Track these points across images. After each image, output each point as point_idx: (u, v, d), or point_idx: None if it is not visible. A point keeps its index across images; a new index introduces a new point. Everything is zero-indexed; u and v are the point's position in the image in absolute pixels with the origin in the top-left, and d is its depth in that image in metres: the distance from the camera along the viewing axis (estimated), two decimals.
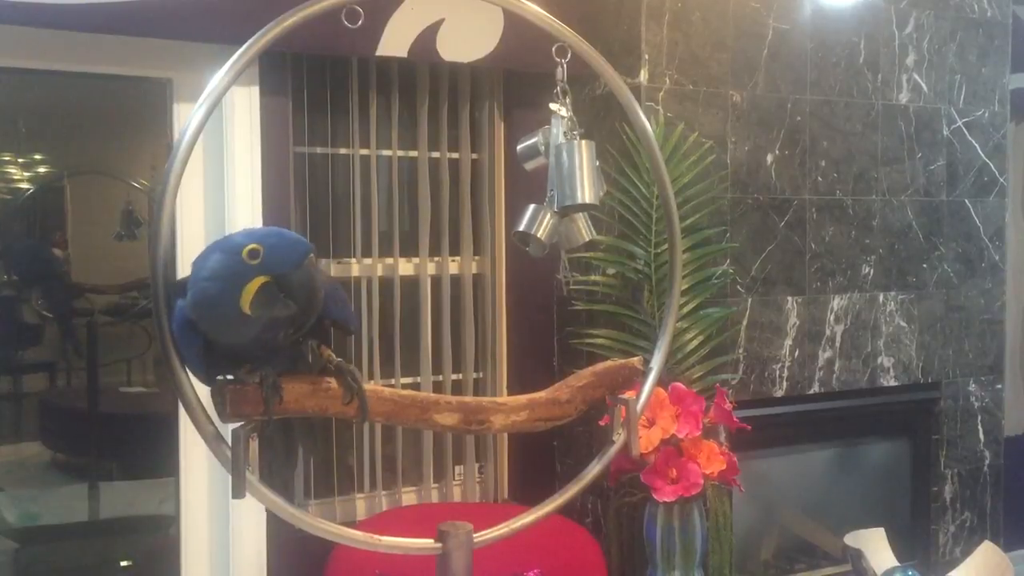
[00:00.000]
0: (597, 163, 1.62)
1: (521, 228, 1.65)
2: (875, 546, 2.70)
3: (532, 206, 1.65)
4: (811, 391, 3.26)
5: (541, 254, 1.69)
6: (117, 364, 5.89)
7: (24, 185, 5.79)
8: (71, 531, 4.73)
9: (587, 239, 1.70)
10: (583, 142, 1.60)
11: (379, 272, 2.97)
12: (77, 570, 4.31)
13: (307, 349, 1.47)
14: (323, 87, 2.90)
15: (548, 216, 1.64)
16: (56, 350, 5.93)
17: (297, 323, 1.28)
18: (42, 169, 5.83)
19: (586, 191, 1.58)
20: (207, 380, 1.36)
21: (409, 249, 3.04)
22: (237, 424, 1.32)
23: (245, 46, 1.37)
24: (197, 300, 1.26)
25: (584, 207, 1.61)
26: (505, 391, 3.12)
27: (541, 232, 1.63)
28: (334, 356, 1.42)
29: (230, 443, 1.35)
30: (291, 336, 1.37)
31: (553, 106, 1.63)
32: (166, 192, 1.31)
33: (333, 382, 1.40)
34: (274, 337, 1.32)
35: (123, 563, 4.22)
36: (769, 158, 3.16)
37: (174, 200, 1.33)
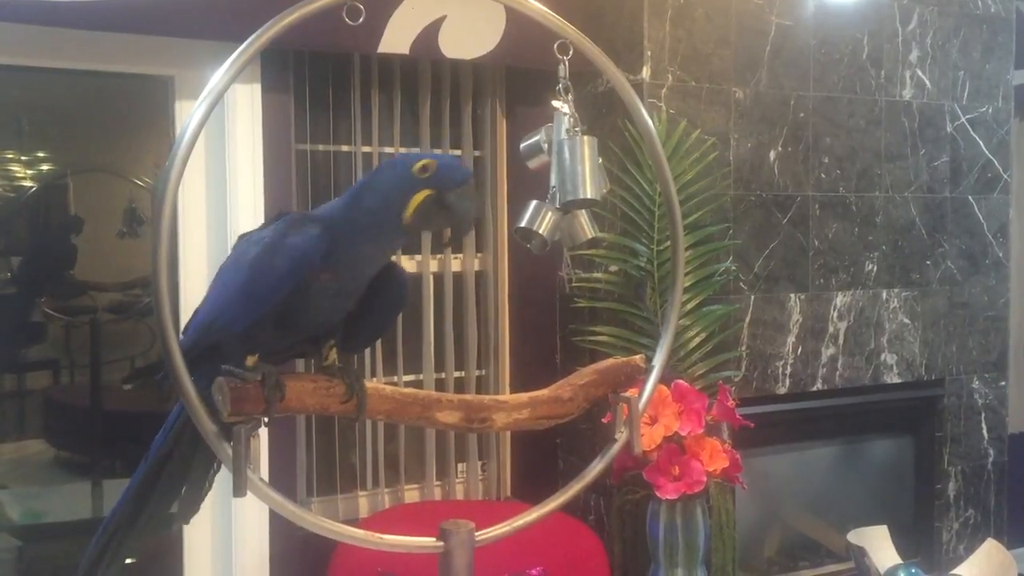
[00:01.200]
0: (599, 160, 1.61)
1: (523, 224, 1.65)
2: (878, 544, 2.70)
3: (534, 202, 1.65)
4: (814, 388, 3.26)
5: (543, 251, 1.68)
6: (120, 362, 5.90)
7: (27, 183, 5.79)
8: (75, 529, 4.73)
9: (589, 236, 1.70)
10: (585, 138, 1.59)
11: None
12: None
13: (324, 346, 1.47)
14: (325, 84, 2.90)
15: (550, 213, 1.63)
16: (59, 347, 5.93)
17: (455, 237, 1.42)
18: (45, 167, 5.84)
19: (588, 187, 1.57)
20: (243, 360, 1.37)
21: (411, 246, 3.04)
22: (237, 422, 1.32)
23: (246, 43, 1.36)
24: (359, 205, 1.34)
25: (586, 203, 1.60)
26: (507, 388, 3.12)
27: (543, 228, 1.63)
28: (338, 356, 1.42)
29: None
30: (342, 313, 1.40)
31: (555, 103, 1.62)
32: (167, 189, 1.31)
33: (334, 381, 1.39)
34: (339, 311, 1.38)
35: (126, 560, 4.22)
36: (772, 155, 3.15)
37: (175, 197, 1.33)
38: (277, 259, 1.31)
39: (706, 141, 2.97)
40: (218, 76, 1.34)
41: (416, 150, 3.02)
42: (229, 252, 1.46)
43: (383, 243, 1.39)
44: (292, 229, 1.33)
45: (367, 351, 2.91)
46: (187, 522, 1.54)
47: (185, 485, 1.52)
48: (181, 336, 1.48)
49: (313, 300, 1.35)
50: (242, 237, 1.43)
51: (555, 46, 1.58)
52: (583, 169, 1.57)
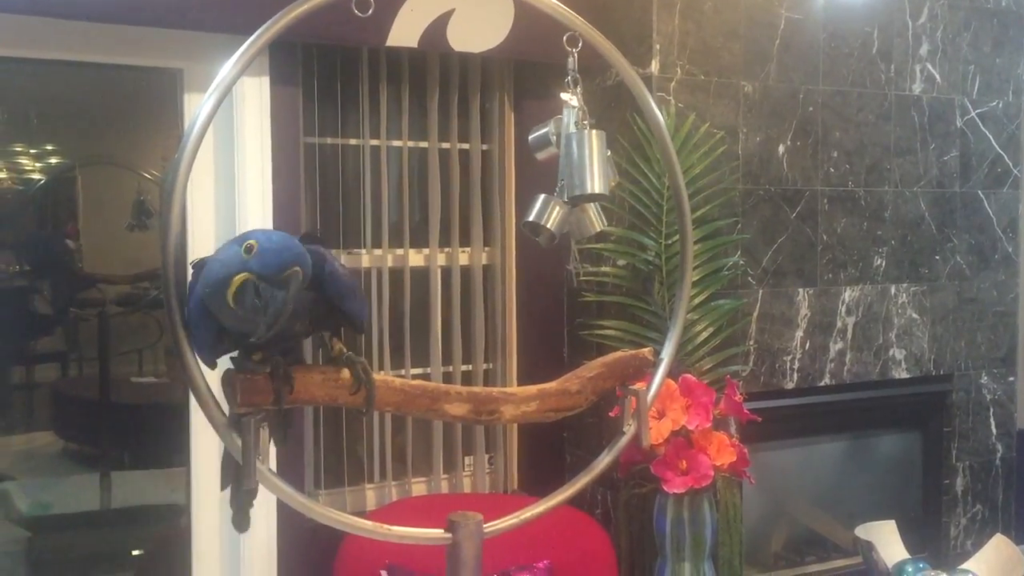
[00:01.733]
0: (608, 153, 1.61)
1: (531, 218, 1.65)
2: (886, 538, 2.70)
3: (542, 196, 1.64)
4: (822, 383, 3.25)
5: (551, 244, 1.68)
6: (129, 354, 5.92)
7: (36, 176, 5.81)
8: (83, 520, 4.76)
9: (597, 229, 1.70)
10: (594, 132, 1.59)
11: (389, 263, 2.96)
12: (89, 559, 4.34)
13: (318, 341, 1.47)
14: (333, 77, 2.90)
15: (558, 206, 1.63)
16: (68, 340, 5.95)
17: (266, 329, 1.27)
18: (54, 160, 5.85)
19: (596, 181, 1.57)
20: (209, 362, 1.37)
21: (419, 240, 3.04)
22: (246, 413, 1.32)
23: (255, 35, 1.36)
24: (204, 279, 1.29)
25: (594, 197, 1.60)
26: (515, 382, 3.12)
27: (551, 222, 1.63)
28: (345, 349, 1.42)
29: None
30: (303, 326, 1.37)
31: (564, 95, 1.62)
32: (176, 182, 1.31)
33: (343, 372, 1.40)
34: (290, 328, 1.32)
35: (134, 552, 4.24)
36: (781, 149, 3.14)
37: (184, 190, 1.33)
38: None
39: (715, 135, 2.96)
40: (227, 68, 1.34)
41: (424, 144, 3.02)
42: None
43: (235, 324, 1.29)
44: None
45: (374, 345, 2.91)
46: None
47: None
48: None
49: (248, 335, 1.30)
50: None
51: (564, 38, 1.58)
52: (591, 163, 1.57)
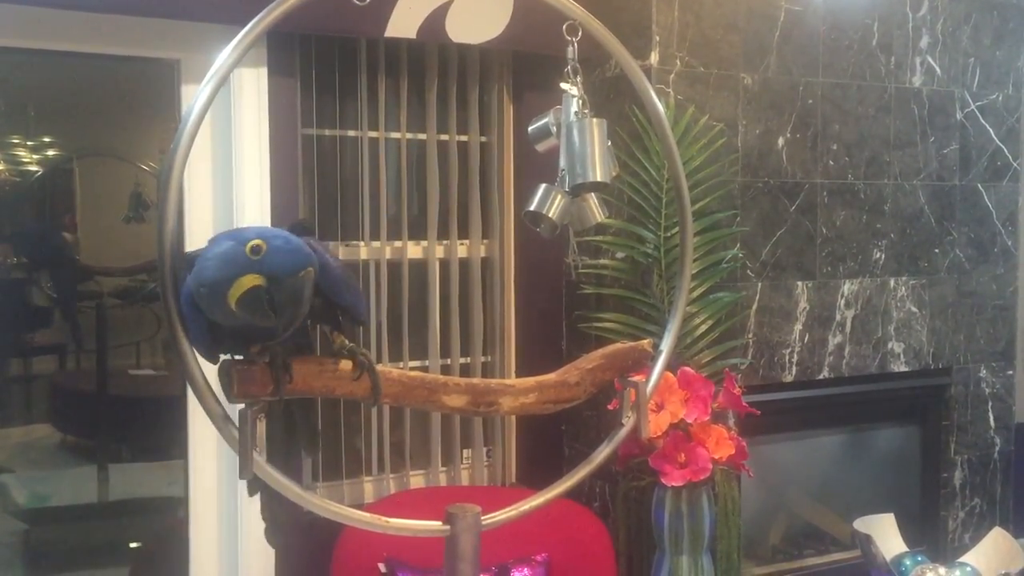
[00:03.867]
0: (609, 143, 1.60)
1: (532, 208, 1.64)
2: (884, 532, 2.70)
3: (543, 186, 1.64)
4: (821, 376, 3.25)
5: (552, 235, 1.67)
6: (126, 347, 5.91)
7: (33, 168, 5.80)
8: (81, 512, 4.76)
9: (598, 219, 1.69)
10: (594, 121, 1.58)
11: (387, 255, 2.96)
12: (87, 551, 4.34)
13: (315, 334, 1.47)
14: (331, 69, 2.89)
15: (559, 196, 1.62)
16: (66, 333, 5.95)
17: (276, 333, 1.26)
18: (51, 152, 5.84)
19: (598, 170, 1.56)
20: (212, 357, 1.36)
21: (417, 232, 3.03)
22: (243, 404, 1.32)
23: (252, 23, 1.36)
24: (196, 276, 1.25)
25: (596, 186, 1.59)
26: (513, 375, 3.11)
27: (552, 212, 1.62)
28: (347, 342, 1.41)
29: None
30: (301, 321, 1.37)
31: (564, 85, 1.62)
32: (172, 171, 1.30)
33: (341, 363, 1.39)
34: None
35: (132, 544, 4.25)
36: (780, 141, 3.13)
37: (180, 179, 1.32)
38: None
39: (714, 127, 2.95)
40: (224, 56, 1.34)
41: (423, 136, 3.01)
42: None
43: (229, 322, 1.26)
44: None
45: (373, 338, 2.91)
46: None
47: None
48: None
49: (247, 330, 1.29)
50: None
51: (564, 27, 1.57)
52: (592, 152, 1.56)
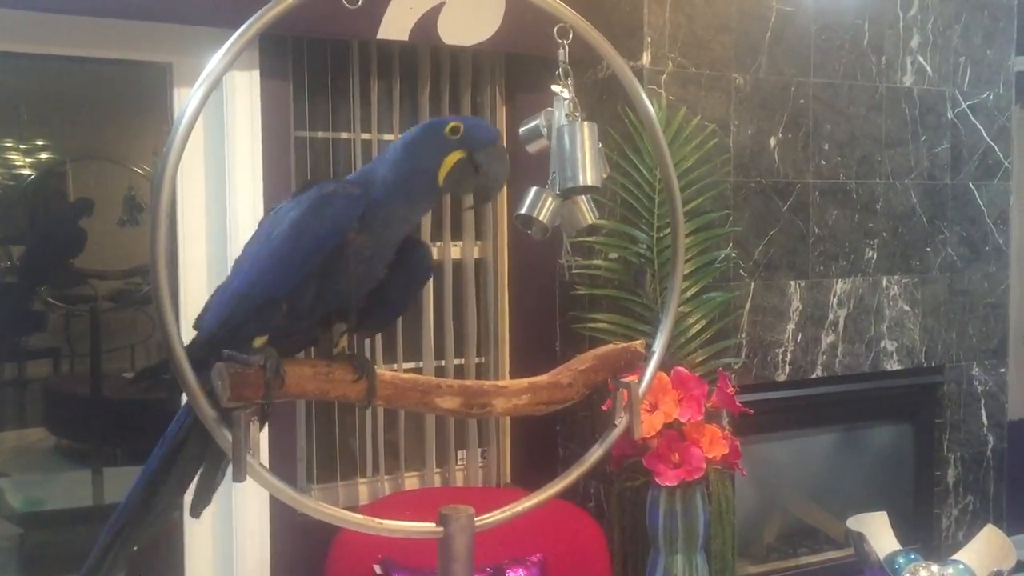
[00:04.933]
0: (599, 145, 1.60)
1: (523, 211, 1.64)
2: (878, 530, 2.70)
3: (534, 189, 1.64)
4: (814, 375, 3.26)
5: (543, 237, 1.68)
6: (121, 350, 5.90)
7: (26, 171, 5.78)
8: (76, 516, 4.74)
9: (589, 222, 1.69)
10: (585, 124, 1.59)
11: None
12: (82, 555, 4.32)
13: (336, 332, 1.47)
14: (324, 71, 2.89)
15: (550, 199, 1.62)
16: (60, 336, 5.93)
17: (484, 198, 1.46)
18: (44, 155, 5.82)
19: (588, 173, 1.56)
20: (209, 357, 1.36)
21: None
22: (236, 407, 1.32)
23: (244, 26, 1.36)
24: (397, 170, 1.36)
25: (586, 190, 1.59)
26: (507, 376, 3.12)
27: (543, 215, 1.62)
28: (347, 344, 1.42)
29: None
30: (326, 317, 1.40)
31: (555, 87, 1.62)
32: (164, 175, 1.31)
33: (333, 366, 1.39)
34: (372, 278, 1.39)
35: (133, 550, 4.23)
36: (772, 141, 3.14)
37: (173, 183, 1.32)
38: (318, 218, 1.33)
39: (706, 128, 2.96)
40: (216, 59, 1.34)
41: None
42: (230, 235, 1.46)
43: (417, 204, 1.42)
44: (329, 191, 1.35)
45: (366, 339, 2.91)
46: (197, 515, 1.53)
47: (197, 475, 1.51)
48: (200, 320, 1.48)
49: (350, 262, 1.36)
50: (271, 209, 1.45)
51: (555, 29, 1.57)
52: (583, 155, 1.57)
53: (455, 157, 1.36)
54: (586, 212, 1.67)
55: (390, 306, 1.49)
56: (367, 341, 2.91)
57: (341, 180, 1.40)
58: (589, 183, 1.57)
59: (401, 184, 1.37)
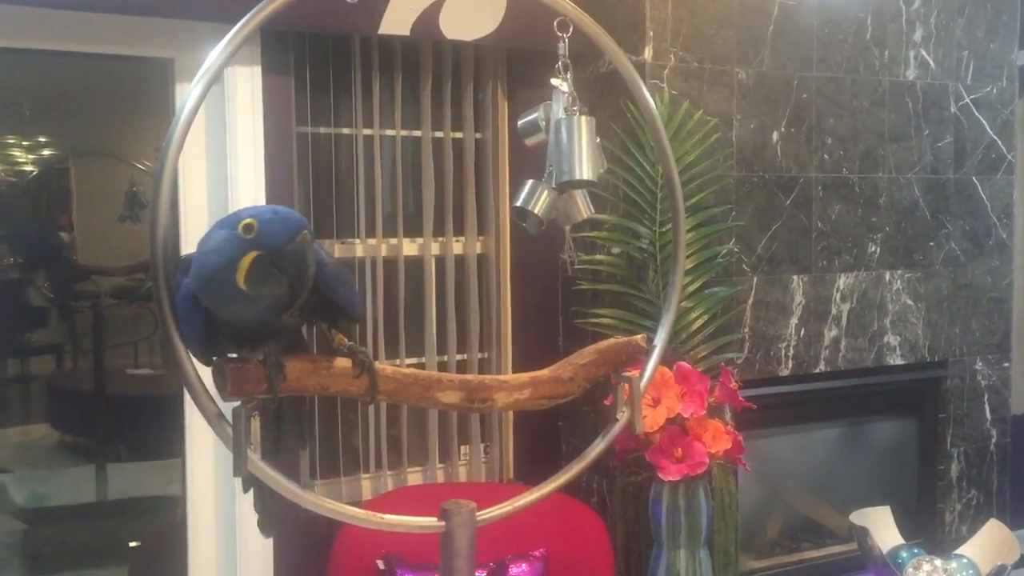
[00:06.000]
0: (597, 140, 1.60)
1: (518, 204, 1.64)
2: (881, 524, 2.71)
3: (530, 182, 1.64)
4: (817, 370, 3.25)
5: (538, 230, 1.68)
6: (124, 346, 5.91)
7: (29, 167, 5.79)
8: (79, 512, 4.76)
9: (585, 216, 1.69)
10: (583, 118, 1.58)
11: (383, 253, 2.96)
12: (85, 550, 4.34)
13: (310, 332, 1.47)
14: (325, 66, 2.89)
15: (546, 192, 1.62)
16: (63, 332, 5.95)
17: (291, 300, 1.29)
18: (46, 151, 5.83)
19: (584, 168, 1.56)
20: (206, 359, 1.36)
21: (413, 229, 3.03)
22: (238, 402, 1.32)
23: (244, 19, 1.36)
24: (198, 273, 1.28)
25: (582, 184, 1.59)
26: (510, 371, 3.11)
27: (538, 208, 1.62)
28: (346, 340, 1.42)
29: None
30: (295, 317, 1.37)
31: (554, 81, 1.62)
32: (164, 169, 1.31)
33: (335, 361, 1.39)
34: (276, 316, 1.32)
35: (131, 543, 4.25)
36: (775, 136, 3.14)
37: (173, 177, 1.33)
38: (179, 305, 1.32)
39: (708, 122, 2.95)
40: (216, 52, 1.34)
41: (418, 133, 3.01)
42: None
43: (238, 312, 1.30)
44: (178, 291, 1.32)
45: (369, 335, 2.91)
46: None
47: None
48: None
49: (242, 325, 1.32)
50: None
51: (555, 23, 1.57)
52: (580, 149, 1.56)
53: (250, 257, 1.24)
54: (582, 206, 1.67)
55: (335, 307, 1.43)
56: (370, 337, 2.91)
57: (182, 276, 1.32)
58: (585, 177, 1.57)
59: (203, 290, 1.28)
